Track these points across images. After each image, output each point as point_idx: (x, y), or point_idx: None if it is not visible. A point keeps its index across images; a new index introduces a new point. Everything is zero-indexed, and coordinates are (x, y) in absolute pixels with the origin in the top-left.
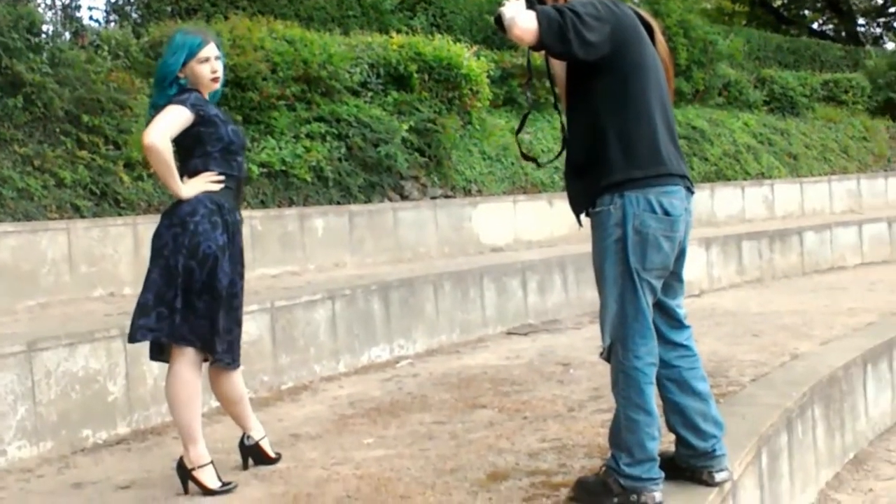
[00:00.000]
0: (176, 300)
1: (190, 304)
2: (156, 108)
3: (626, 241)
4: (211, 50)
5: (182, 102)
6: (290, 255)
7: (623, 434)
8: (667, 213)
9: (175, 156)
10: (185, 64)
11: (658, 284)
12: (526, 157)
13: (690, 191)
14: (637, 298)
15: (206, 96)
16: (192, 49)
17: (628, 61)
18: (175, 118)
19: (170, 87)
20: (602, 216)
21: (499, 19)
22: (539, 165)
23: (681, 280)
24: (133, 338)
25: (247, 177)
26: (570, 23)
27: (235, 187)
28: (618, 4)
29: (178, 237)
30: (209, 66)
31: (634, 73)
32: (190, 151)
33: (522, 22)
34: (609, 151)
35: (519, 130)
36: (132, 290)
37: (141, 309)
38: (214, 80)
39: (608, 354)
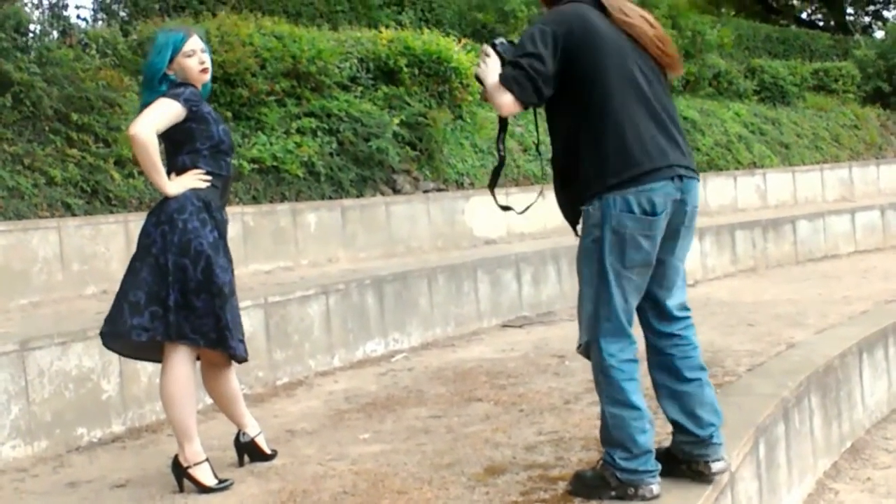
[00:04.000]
0: (169, 298)
1: (188, 302)
2: (145, 105)
3: (603, 241)
4: (196, 42)
5: (175, 96)
6: (283, 251)
7: (612, 431)
8: (646, 212)
9: (163, 151)
10: (171, 60)
11: (642, 280)
12: (503, 207)
13: (690, 177)
14: (611, 298)
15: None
16: (177, 44)
17: (580, 71)
18: (164, 111)
19: (160, 84)
20: (583, 217)
21: (479, 79)
22: (519, 213)
23: (674, 268)
24: (128, 336)
25: (234, 177)
26: (535, 73)
27: (222, 187)
28: (562, 12)
29: (167, 235)
30: (196, 59)
31: (591, 79)
32: (179, 147)
33: (499, 99)
34: (583, 164)
35: (493, 184)
36: None
37: (133, 307)
38: (203, 71)
39: (586, 351)
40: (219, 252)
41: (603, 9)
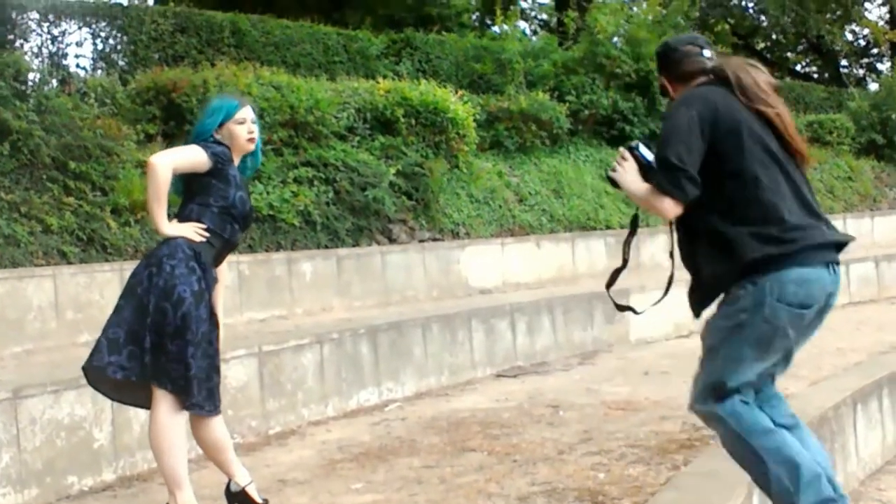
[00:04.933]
0: (145, 340)
1: (162, 345)
2: None
3: (749, 326)
4: (248, 112)
5: (205, 147)
6: (278, 299)
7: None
8: (802, 305)
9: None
10: (221, 125)
11: (776, 369)
12: (622, 307)
13: (837, 263)
14: (743, 375)
15: (238, 159)
16: (230, 111)
17: (725, 155)
18: (189, 153)
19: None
20: (729, 299)
21: (613, 182)
22: (637, 313)
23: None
24: (104, 372)
25: (235, 247)
26: (689, 169)
27: (220, 248)
28: (703, 97)
29: (153, 277)
30: (246, 128)
31: (735, 163)
32: (193, 196)
33: (659, 205)
34: (734, 246)
35: (610, 285)
36: None
37: (112, 344)
38: (250, 140)
39: (703, 412)
40: (201, 303)
41: (736, 89)
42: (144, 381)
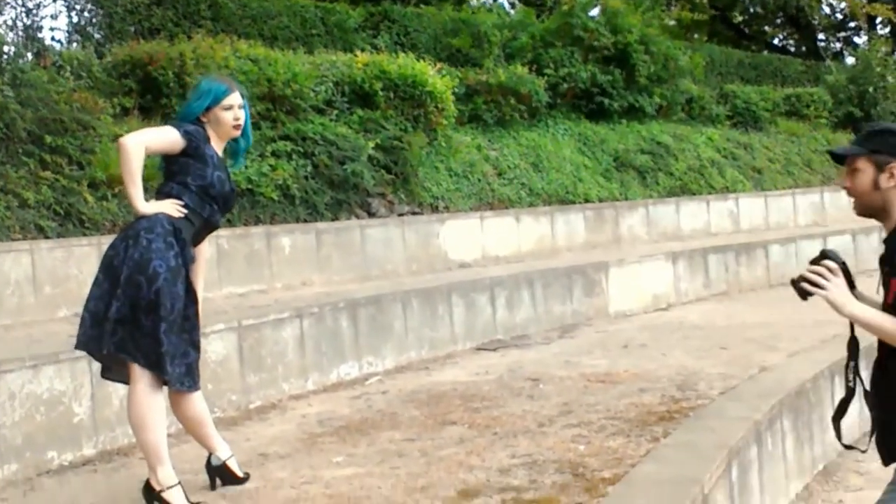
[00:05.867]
0: (110, 309)
1: (135, 320)
2: None
3: None
4: (236, 98)
5: (177, 125)
6: (257, 274)
7: None
8: None
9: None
10: (208, 109)
11: None
12: (847, 446)
13: None
14: None
15: (224, 142)
16: (218, 95)
17: None
18: (160, 133)
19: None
20: None
21: (804, 294)
22: (863, 451)
23: None
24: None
25: (215, 227)
26: None
27: (199, 226)
28: None
29: (129, 249)
30: (232, 114)
31: None
32: (172, 176)
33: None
34: None
35: (837, 418)
36: None
37: (93, 317)
38: (236, 127)
39: None
40: (177, 279)
41: None
42: (99, 352)
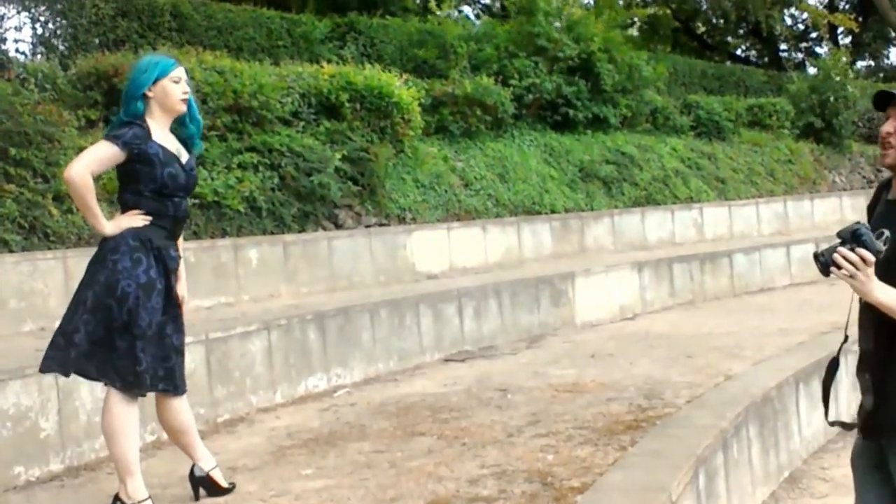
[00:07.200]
0: (76, 334)
1: (110, 341)
2: (111, 127)
3: None
4: (182, 72)
5: (114, 139)
6: (224, 286)
7: None
8: None
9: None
10: (156, 82)
11: None
12: (834, 423)
13: None
14: None
15: (169, 122)
16: (165, 68)
17: None
18: (98, 154)
19: (136, 103)
20: None
21: (827, 270)
22: (849, 428)
23: None
24: (48, 369)
25: (186, 217)
26: None
27: (171, 227)
28: None
29: (96, 273)
30: (180, 87)
31: None
32: (125, 185)
33: None
34: None
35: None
36: None
37: (67, 338)
38: (183, 100)
39: None
40: (151, 294)
41: None
42: (65, 374)
